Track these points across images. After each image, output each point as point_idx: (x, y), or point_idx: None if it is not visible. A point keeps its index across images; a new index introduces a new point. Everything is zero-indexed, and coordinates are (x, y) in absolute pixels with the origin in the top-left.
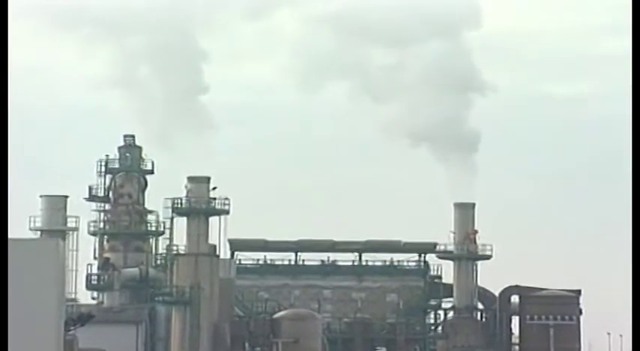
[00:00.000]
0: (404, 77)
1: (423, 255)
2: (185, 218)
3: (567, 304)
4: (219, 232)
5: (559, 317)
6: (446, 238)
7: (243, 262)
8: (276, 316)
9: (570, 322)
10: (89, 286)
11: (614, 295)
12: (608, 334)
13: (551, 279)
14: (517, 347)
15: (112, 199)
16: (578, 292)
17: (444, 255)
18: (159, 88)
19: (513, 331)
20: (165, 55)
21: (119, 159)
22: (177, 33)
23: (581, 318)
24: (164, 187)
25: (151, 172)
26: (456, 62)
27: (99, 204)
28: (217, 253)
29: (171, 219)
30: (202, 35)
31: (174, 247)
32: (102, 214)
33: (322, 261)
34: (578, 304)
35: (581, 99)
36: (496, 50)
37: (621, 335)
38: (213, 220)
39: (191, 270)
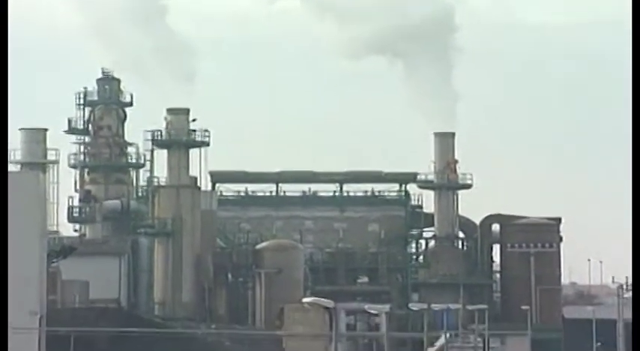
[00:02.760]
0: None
1: (403, 185)
2: (165, 150)
3: (547, 231)
4: (200, 164)
5: (539, 245)
6: (426, 168)
7: (224, 193)
8: (258, 247)
9: (551, 249)
10: (71, 219)
11: (594, 223)
12: (589, 260)
13: (531, 207)
14: (498, 275)
15: (91, 132)
16: (559, 219)
17: (425, 184)
18: (133, 20)
19: (494, 259)
20: None
21: (98, 91)
22: None
23: (562, 245)
24: (144, 119)
25: (130, 104)
26: None
27: (78, 137)
28: (198, 185)
29: (152, 151)
30: None
31: (155, 180)
32: (82, 147)
33: (303, 192)
34: (559, 231)
35: (563, 28)
36: None
37: (601, 261)
38: (194, 152)
39: (172, 202)
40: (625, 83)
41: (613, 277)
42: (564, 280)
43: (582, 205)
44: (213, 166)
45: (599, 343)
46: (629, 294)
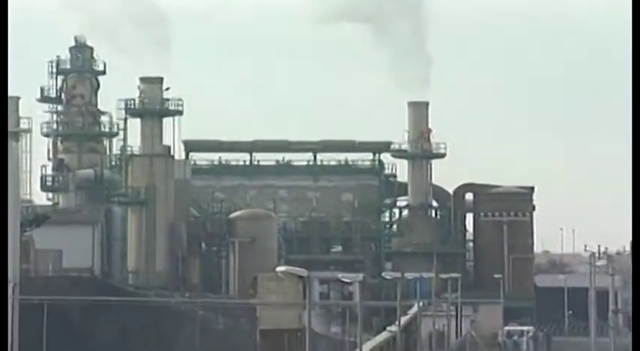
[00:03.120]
0: None
1: (377, 154)
2: (139, 119)
3: (520, 200)
4: (174, 133)
5: (512, 214)
6: (400, 137)
7: (198, 162)
8: (232, 216)
9: (523, 218)
10: (44, 188)
11: (567, 192)
12: (561, 229)
13: (504, 176)
14: (471, 244)
15: (64, 101)
16: (532, 188)
17: (399, 154)
18: None
19: (467, 227)
20: None
21: (70, 60)
22: None
23: (534, 214)
24: (117, 88)
25: (103, 72)
26: None
27: (51, 105)
28: (172, 154)
29: (125, 120)
30: None
31: (129, 149)
32: (55, 116)
33: (277, 161)
34: (532, 200)
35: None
36: None
37: (573, 230)
38: (167, 121)
39: (146, 171)
40: (598, 54)
41: (585, 246)
42: (537, 248)
43: (555, 174)
44: (187, 135)
45: (570, 312)
46: (601, 262)
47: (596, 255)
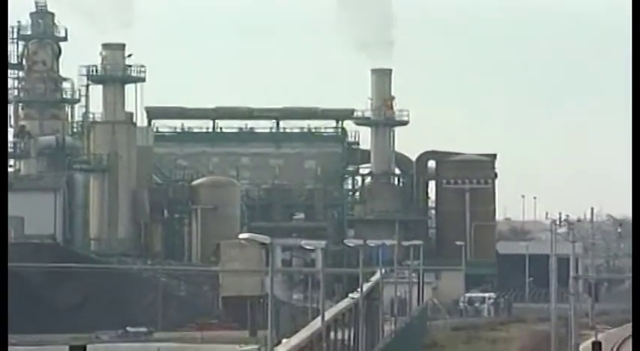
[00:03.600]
0: None
1: (340, 121)
2: (101, 86)
3: (482, 168)
4: (136, 100)
5: (475, 181)
6: (363, 105)
7: (160, 129)
8: (194, 183)
9: (485, 185)
10: None
11: (529, 159)
12: (522, 196)
13: (467, 143)
14: (433, 211)
15: (25, 67)
16: (494, 156)
17: (362, 121)
18: None
19: (430, 195)
20: None
21: (31, 26)
22: None
23: (496, 181)
24: (79, 54)
25: (65, 38)
26: None
27: (12, 71)
28: (134, 120)
29: (87, 87)
30: None
31: (91, 115)
32: (16, 82)
33: (240, 128)
34: (494, 168)
35: None
36: None
37: (535, 197)
38: (130, 88)
39: (108, 138)
40: (565, 23)
41: (547, 213)
42: (498, 216)
43: (517, 142)
44: (149, 101)
45: (531, 278)
46: (562, 229)
47: (557, 222)
